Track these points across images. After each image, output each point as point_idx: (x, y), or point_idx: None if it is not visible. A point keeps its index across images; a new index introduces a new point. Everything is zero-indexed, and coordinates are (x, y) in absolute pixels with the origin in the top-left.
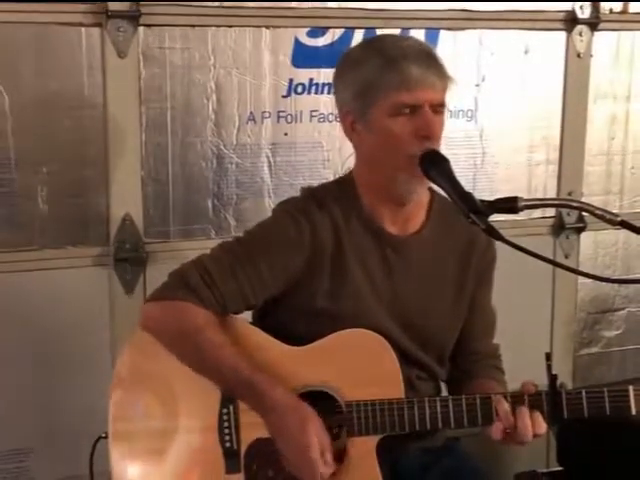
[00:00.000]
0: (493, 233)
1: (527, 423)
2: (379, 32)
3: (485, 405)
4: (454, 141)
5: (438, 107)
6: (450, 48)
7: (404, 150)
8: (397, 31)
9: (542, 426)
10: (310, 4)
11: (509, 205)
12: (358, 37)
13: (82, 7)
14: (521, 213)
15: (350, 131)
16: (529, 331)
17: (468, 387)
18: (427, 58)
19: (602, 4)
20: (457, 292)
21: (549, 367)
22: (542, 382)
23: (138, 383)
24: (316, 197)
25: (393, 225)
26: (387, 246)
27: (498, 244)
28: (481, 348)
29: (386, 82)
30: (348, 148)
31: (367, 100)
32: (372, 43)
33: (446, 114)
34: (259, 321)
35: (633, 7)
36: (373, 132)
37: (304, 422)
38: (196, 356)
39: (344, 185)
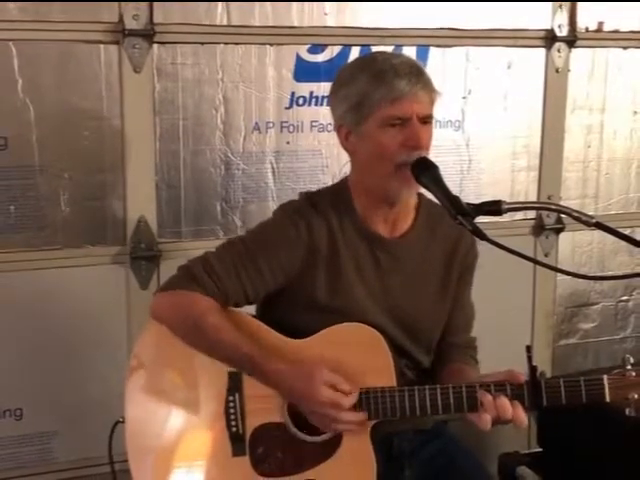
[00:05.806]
0: (479, 233)
1: (507, 407)
2: (374, 49)
3: (471, 395)
4: (443, 149)
5: (426, 119)
6: (439, 63)
7: (394, 159)
8: (391, 48)
9: (523, 420)
10: (310, 23)
11: (493, 208)
12: (355, 53)
13: (101, 26)
14: (504, 215)
15: (345, 142)
16: (512, 323)
17: (444, 370)
18: (415, 73)
19: (579, 23)
20: (442, 289)
21: (530, 359)
22: (523, 370)
23: (151, 369)
24: (313, 201)
25: (384, 228)
26: (378, 247)
27: (484, 244)
28: (459, 341)
29: (377, 96)
30: (345, 155)
31: (360, 113)
32: (363, 60)
33: (435, 124)
34: (261, 314)
35: (607, 26)
36: (366, 142)
37: (310, 379)
38: (200, 339)
39: (339, 190)
